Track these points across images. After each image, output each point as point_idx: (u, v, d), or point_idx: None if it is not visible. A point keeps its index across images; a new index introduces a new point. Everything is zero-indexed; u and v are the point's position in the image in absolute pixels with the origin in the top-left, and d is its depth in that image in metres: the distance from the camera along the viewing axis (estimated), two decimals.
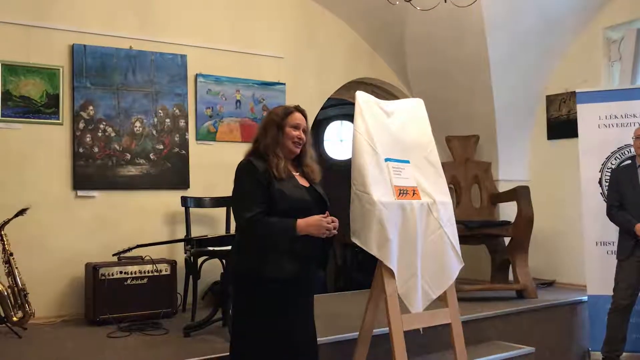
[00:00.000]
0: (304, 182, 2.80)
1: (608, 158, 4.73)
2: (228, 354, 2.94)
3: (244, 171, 2.70)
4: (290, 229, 2.61)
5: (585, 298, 4.75)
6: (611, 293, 4.26)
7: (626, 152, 4.66)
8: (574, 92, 5.06)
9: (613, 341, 4.25)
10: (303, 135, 2.78)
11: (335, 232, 2.69)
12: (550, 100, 5.65)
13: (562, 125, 5.54)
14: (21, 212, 3.72)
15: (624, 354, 4.32)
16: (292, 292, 2.67)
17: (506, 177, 5.64)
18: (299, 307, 2.74)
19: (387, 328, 3.01)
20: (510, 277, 5.08)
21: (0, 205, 3.86)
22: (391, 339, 2.98)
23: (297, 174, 2.82)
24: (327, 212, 2.74)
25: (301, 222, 2.62)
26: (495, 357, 3.84)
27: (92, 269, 3.96)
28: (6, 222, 3.72)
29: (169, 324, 3.89)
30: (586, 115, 4.81)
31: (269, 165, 2.68)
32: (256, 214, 2.60)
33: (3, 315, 3.64)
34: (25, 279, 3.75)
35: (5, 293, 3.66)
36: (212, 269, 4.04)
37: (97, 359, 3.11)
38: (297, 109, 2.85)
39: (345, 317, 3.96)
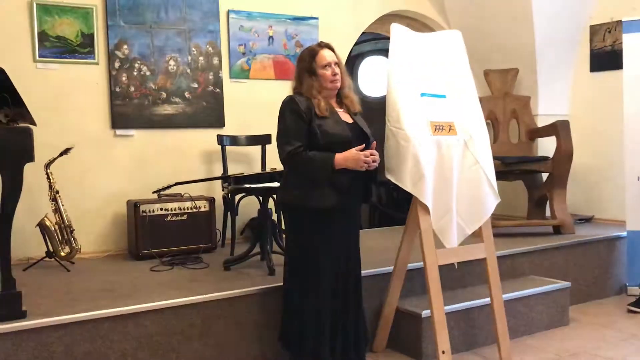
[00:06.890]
0: (346, 118, 2.89)
1: None
2: (269, 285, 3.11)
3: (286, 107, 2.80)
4: (328, 162, 2.70)
5: (624, 234, 4.69)
6: None
7: None
8: (620, 21, 4.83)
9: None
10: (337, 70, 2.81)
11: (375, 164, 2.79)
12: (594, 30, 5.41)
13: (605, 57, 5.32)
14: (65, 152, 3.82)
15: None
16: (337, 218, 2.82)
17: (545, 111, 5.49)
18: (343, 233, 2.88)
19: (422, 262, 3.05)
20: (548, 213, 5.04)
21: (43, 144, 3.91)
22: (425, 273, 3.02)
23: (342, 110, 2.91)
24: (366, 146, 2.80)
25: (339, 156, 2.72)
26: (530, 292, 3.86)
27: (134, 206, 4.08)
28: (52, 161, 3.83)
29: (209, 259, 4.00)
30: (633, 45, 4.60)
31: (312, 105, 2.76)
32: (296, 147, 2.71)
33: (52, 250, 3.81)
34: (71, 216, 3.90)
35: (53, 229, 3.82)
36: (249, 206, 4.12)
37: (142, 289, 3.24)
38: (320, 45, 2.87)
39: (380, 252, 4.01)
